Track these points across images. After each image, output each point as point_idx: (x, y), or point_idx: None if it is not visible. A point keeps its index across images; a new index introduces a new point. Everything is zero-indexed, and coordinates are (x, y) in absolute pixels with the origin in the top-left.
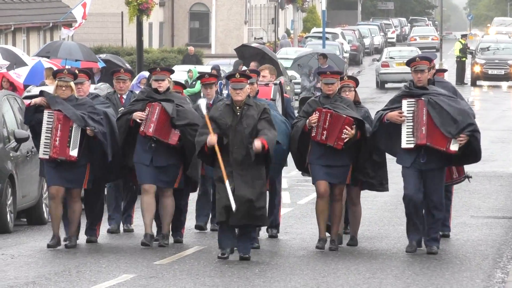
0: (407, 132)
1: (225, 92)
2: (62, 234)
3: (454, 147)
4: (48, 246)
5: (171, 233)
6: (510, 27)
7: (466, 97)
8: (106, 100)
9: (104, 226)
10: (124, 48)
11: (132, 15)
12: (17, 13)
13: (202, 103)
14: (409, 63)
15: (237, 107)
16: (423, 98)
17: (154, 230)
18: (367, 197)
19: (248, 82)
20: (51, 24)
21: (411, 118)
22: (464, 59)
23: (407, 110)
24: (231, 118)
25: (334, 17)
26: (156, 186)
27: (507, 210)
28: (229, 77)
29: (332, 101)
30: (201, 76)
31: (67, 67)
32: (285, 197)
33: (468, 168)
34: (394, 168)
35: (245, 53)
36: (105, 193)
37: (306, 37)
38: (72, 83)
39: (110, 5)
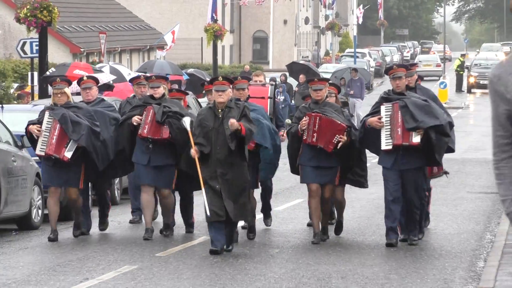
0: (385, 134)
1: (281, 97)
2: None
3: (416, 139)
4: (49, 239)
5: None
6: (497, 52)
7: (462, 101)
8: (126, 103)
9: (117, 216)
10: (203, 64)
11: (209, 39)
12: (122, 38)
13: (187, 120)
14: (387, 71)
15: (219, 110)
16: (398, 102)
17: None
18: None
19: (235, 87)
20: (148, 47)
21: (389, 121)
22: (461, 72)
23: (385, 115)
24: (213, 120)
25: (363, 40)
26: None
27: (494, 188)
28: (212, 80)
29: (321, 106)
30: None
31: None
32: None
33: (464, 155)
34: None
35: (293, 68)
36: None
37: (342, 56)
38: (66, 89)
39: (193, 31)
